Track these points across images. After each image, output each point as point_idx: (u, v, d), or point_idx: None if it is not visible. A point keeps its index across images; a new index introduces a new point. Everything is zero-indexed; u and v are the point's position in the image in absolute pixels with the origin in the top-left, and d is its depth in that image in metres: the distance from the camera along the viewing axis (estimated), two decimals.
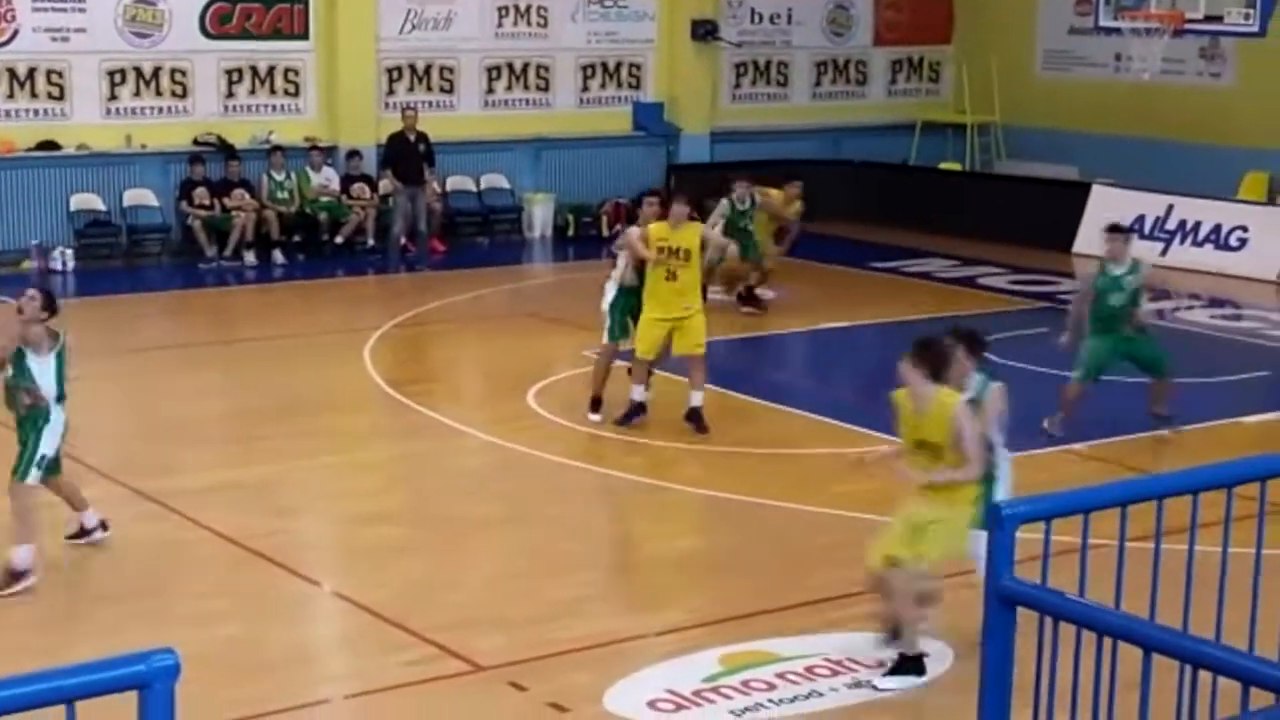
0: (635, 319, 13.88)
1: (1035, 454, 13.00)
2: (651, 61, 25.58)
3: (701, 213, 15.07)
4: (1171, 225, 22.48)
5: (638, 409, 13.83)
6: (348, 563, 11.16)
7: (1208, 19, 17.85)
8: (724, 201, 18.35)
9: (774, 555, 10.90)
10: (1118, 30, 18.97)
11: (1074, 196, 23.75)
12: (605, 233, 24.22)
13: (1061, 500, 4.97)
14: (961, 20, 28.12)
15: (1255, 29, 17.44)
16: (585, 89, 25.18)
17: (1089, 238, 23.25)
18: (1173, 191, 22.55)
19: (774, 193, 19.44)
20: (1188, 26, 18.02)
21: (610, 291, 14.16)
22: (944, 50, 28.27)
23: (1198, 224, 22.26)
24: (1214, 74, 24.61)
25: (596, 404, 14.02)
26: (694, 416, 13.68)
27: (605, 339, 14.15)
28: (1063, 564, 5.32)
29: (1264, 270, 21.40)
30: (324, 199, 22.47)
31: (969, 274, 21.77)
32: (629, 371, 14.05)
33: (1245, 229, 21.84)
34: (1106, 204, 23.31)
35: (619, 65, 25.37)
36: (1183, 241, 22.33)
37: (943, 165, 26.78)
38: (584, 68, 25.11)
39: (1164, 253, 22.08)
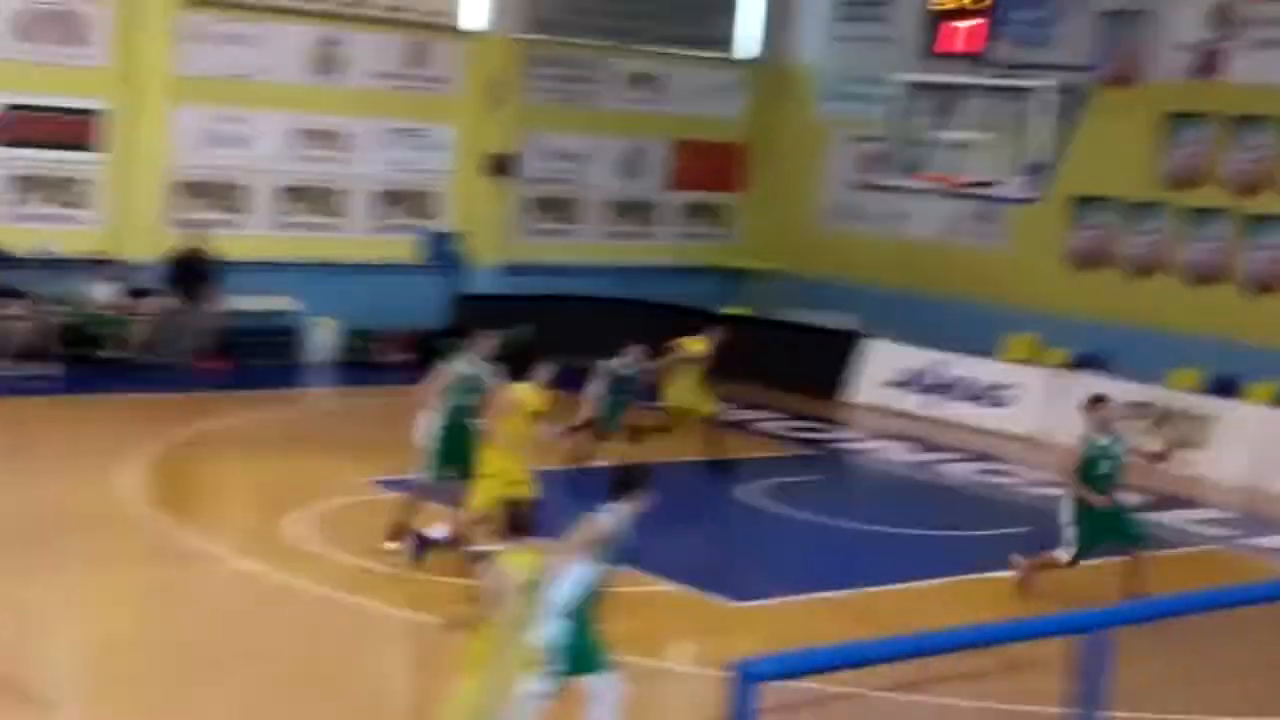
0: (456, 455, 13.57)
1: (790, 601, 13.22)
2: (447, 192, 25.76)
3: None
4: (943, 380, 23.14)
5: (430, 544, 13.44)
6: (89, 692, 10.85)
7: (983, 184, 18.55)
8: (610, 364, 18.29)
9: None
10: (899, 189, 19.61)
11: (852, 346, 24.35)
12: (388, 360, 24.16)
13: (803, 659, 5.09)
14: (753, 170, 28.82)
15: (1027, 196, 18.18)
16: (379, 215, 25.24)
17: (865, 387, 23.88)
18: (945, 347, 23.23)
19: (695, 346, 18.93)
20: (964, 190, 18.70)
21: (428, 424, 13.84)
22: (735, 197, 28.91)
23: (967, 380, 22.96)
24: (988, 236, 25.52)
25: (398, 533, 13.65)
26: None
27: (425, 473, 13.78)
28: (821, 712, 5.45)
29: (1026, 427, 22.10)
30: (106, 312, 22.11)
31: (746, 417, 22.11)
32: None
33: (1011, 387, 22.60)
34: (883, 356, 23.97)
35: (414, 194, 25.49)
36: (952, 397, 23.00)
37: (729, 309, 27.24)
38: (379, 194, 25.18)
39: (932, 407, 22.76)
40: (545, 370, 13.54)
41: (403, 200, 25.41)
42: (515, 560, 8.35)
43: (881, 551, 15.43)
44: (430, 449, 13.79)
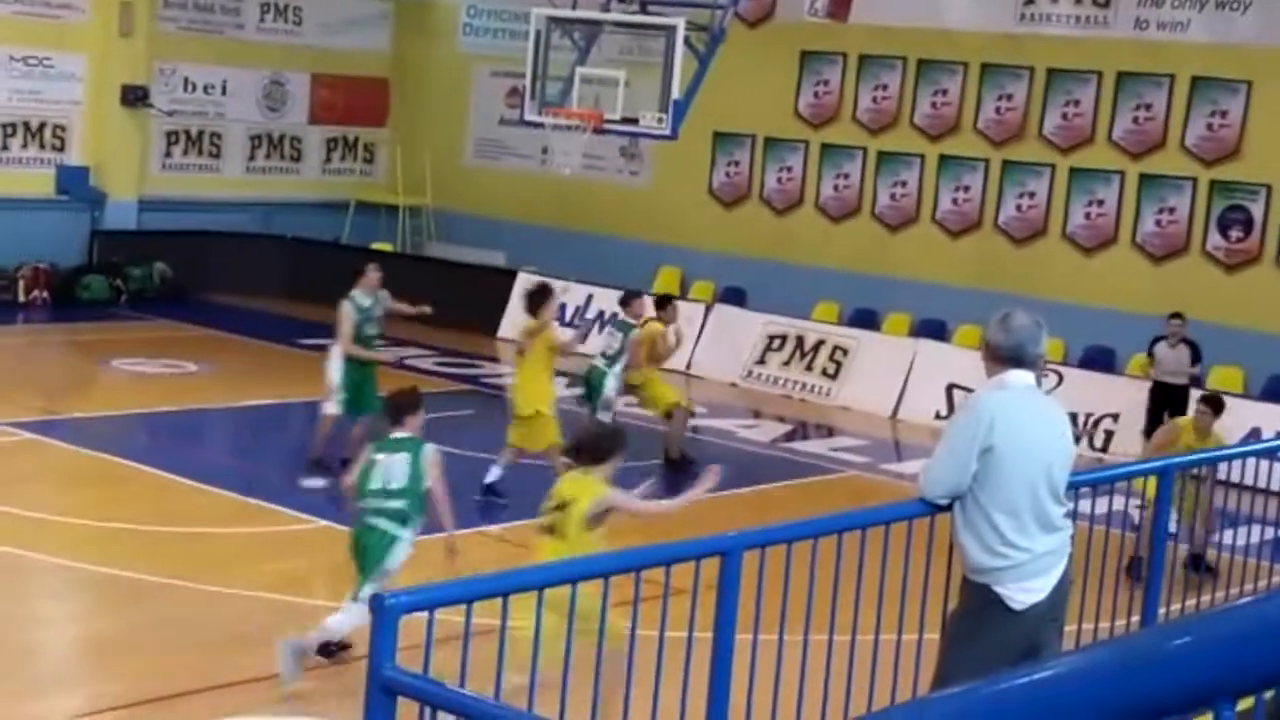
0: (364, 387, 14.66)
1: (447, 535, 13.25)
2: (78, 124, 24.79)
3: None
4: (591, 314, 23.39)
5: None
6: None
7: (625, 120, 18.71)
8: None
9: (193, 637, 10.66)
10: (543, 125, 19.65)
11: (501, 282, 24.42)
12: (23, 297, 23.31)
13: (443, 591, 5.11)
14: (397, 104, 28.55)
15: (668, 133, 18.42)
16: (5, 149, 24.15)
17: (514, 323, 23.94)
18: (593, 282, 23.47)
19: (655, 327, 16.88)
20: (607, 126, 18.84)
21: (337, 359, 14.72)
22: (379, 132, 28.62)
23: (615, 315, 23.20)
24: (633, 172, 25.87)
25: (318, 466, 14.44)
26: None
27: (336, 406, 14.62)
28: (476, 646, 5.43)
29: (675, 360, 22.50)
30: None
31: (397, 355, 21.97)
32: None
33: None
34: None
35: (43, 126, 24.46)
36: (601, 330, 23.24)
37: (375, 245, 27.02)
38: (4, 126, 24.08)
39: (584, 340, 22.91)
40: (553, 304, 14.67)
41: (32, 132, 24.36)
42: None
43: (536, 483, 15.51)
44: (340, 383, 14.65)
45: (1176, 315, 18.05)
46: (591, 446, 9.09)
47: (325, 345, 21.90)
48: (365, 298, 15.01)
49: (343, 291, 24.52)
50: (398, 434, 9.97)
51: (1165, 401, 17.63)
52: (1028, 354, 6.70)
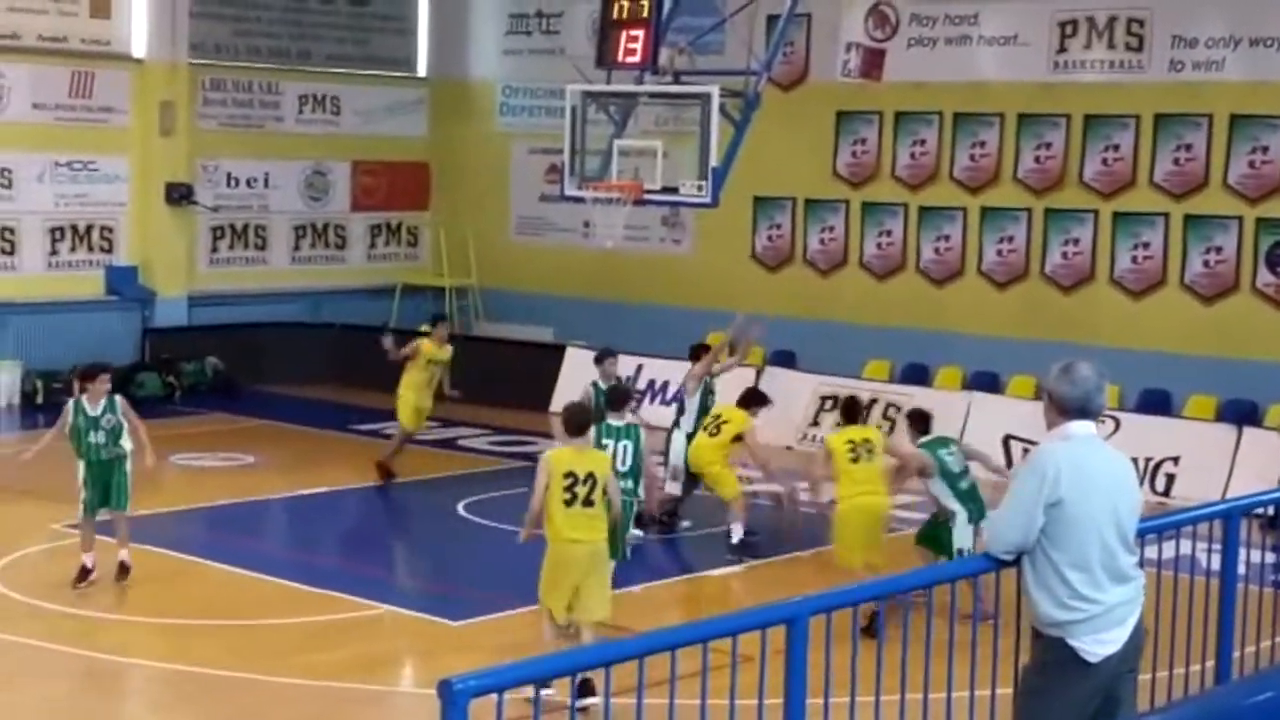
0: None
1: (510, 616, 13.23)
2: (124, 224, 25.05)
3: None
4: (641, 384, 23.40)
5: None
6: None
7: (665, 190, 18.73)
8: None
9: None
10: (583, 199, 19.70)
11: (550, 357, 24.46)
12: None
13: (513, 671, 5.09)
14: (438, 187, 28.74)
15: (708, 200, 18.42)
16: (54, 252, 24.41)
17: (565, 397, 23.92)
18: (641, 353, 23.47)
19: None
20: (647, 197, 18.86)
21: None
22: (422, 215, 28.79)
23: (665, 383, 23.26)
24: (676, 240, 25.93)
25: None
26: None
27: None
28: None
29: None
30: None
31: (450, 435, 22.04)
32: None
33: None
34: (580, 364, 24.09)
35: (90, 228, 24.72)
36: (652, 400, 23.27)
37: (423, 328, 27.10)
38: (52, 230, 24.35)
39: (635, 410, 22.91)
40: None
41: (80, 235, 24.62)
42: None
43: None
44: None
45: None
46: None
47: (377, 430, 22.16)
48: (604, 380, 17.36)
49: (394, 376, 24.58)
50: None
51: None
52: (1093, 404, 6.63)
